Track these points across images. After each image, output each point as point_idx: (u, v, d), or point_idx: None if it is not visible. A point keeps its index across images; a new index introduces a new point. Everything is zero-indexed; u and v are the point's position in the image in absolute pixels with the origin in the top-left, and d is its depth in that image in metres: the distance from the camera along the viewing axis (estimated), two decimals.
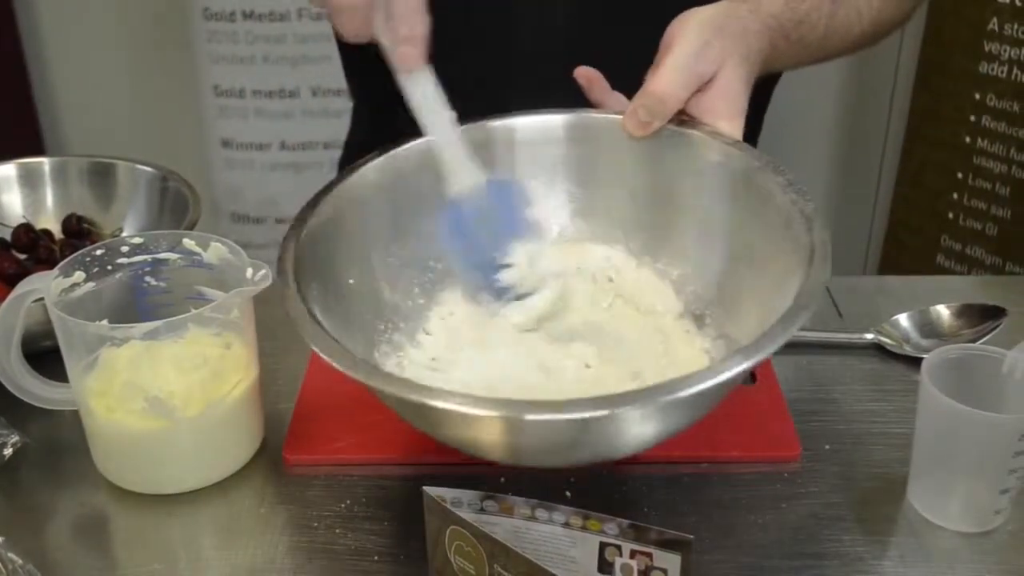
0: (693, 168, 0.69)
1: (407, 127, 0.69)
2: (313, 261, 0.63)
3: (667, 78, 0.66)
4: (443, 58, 0.67)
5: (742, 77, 0.68)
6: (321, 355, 0.55)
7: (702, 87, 0.67)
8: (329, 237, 0.66)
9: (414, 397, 0.52)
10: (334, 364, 0.54)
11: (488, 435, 0.56)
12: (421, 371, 0.67)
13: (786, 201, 0.62)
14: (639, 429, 0.56)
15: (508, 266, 0.70)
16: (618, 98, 0.72)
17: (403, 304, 0.70)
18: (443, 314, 0.71)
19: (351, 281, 0.67)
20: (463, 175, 0.69)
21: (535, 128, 0.73)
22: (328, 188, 0.68)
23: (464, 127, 0.69)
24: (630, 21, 0.78)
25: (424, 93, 0.67)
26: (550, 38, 0.84)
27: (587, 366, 0.66)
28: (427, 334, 0.70)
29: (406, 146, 0.70)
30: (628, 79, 0.69)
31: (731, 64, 0.67)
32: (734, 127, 0.67)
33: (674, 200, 0.71)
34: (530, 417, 0.51)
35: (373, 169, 0.70)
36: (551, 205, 0.74)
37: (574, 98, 0.73)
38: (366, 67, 0.70)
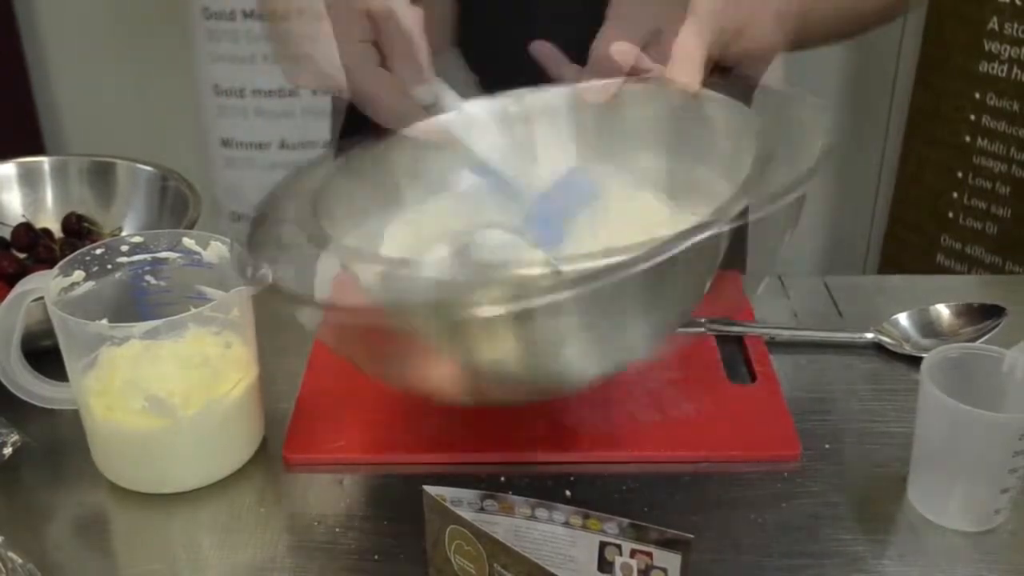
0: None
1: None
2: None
3: (611, 37, 0.66)
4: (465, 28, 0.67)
5: (688, 28, 0.66)
6: None
7: (654, 39, 0.67)
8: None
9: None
10: None
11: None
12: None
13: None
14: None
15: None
16: (574, 69, 0.71)
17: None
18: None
19: None
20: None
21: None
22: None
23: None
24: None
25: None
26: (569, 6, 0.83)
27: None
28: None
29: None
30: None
31: (679, 19, 0.66)
32: (692, 76, 0.65)
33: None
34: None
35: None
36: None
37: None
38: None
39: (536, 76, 0.72)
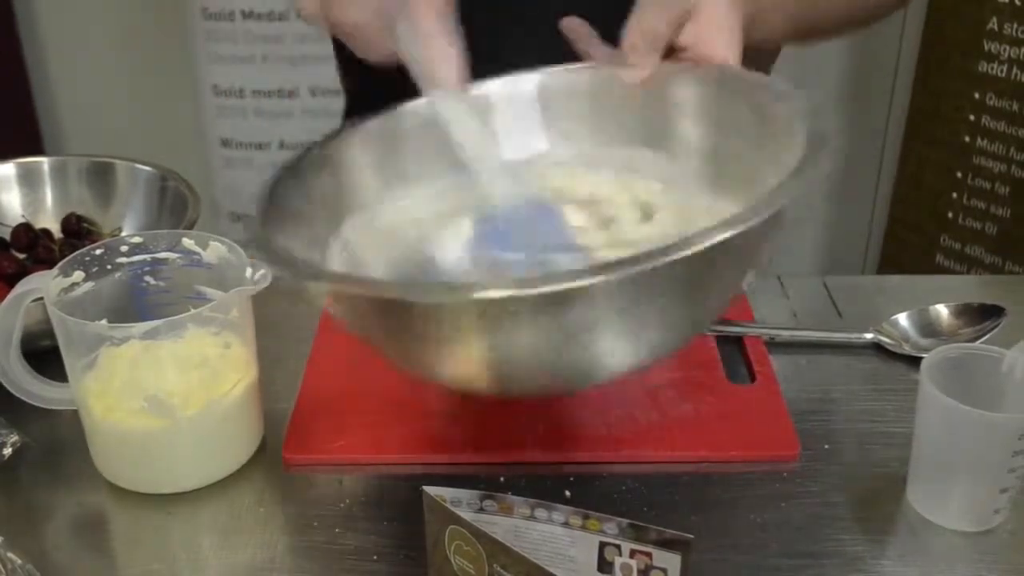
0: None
1: None
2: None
3: (650, 11, 0.65)
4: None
5: (722, 2, 0.65)
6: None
7: (688, 18, 0.66)
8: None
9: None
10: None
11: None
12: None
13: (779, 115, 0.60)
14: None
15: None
16: (605, 50, 0.70)
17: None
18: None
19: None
20: (500, 192, 0.67)
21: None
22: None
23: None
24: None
25: (458, 113, 0.66)
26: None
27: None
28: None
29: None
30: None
31: None
32: (723, 49, 0.65)
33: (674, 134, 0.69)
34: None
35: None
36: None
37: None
38: (364, 66, 0.70)
39: (552, 54, 0.71)
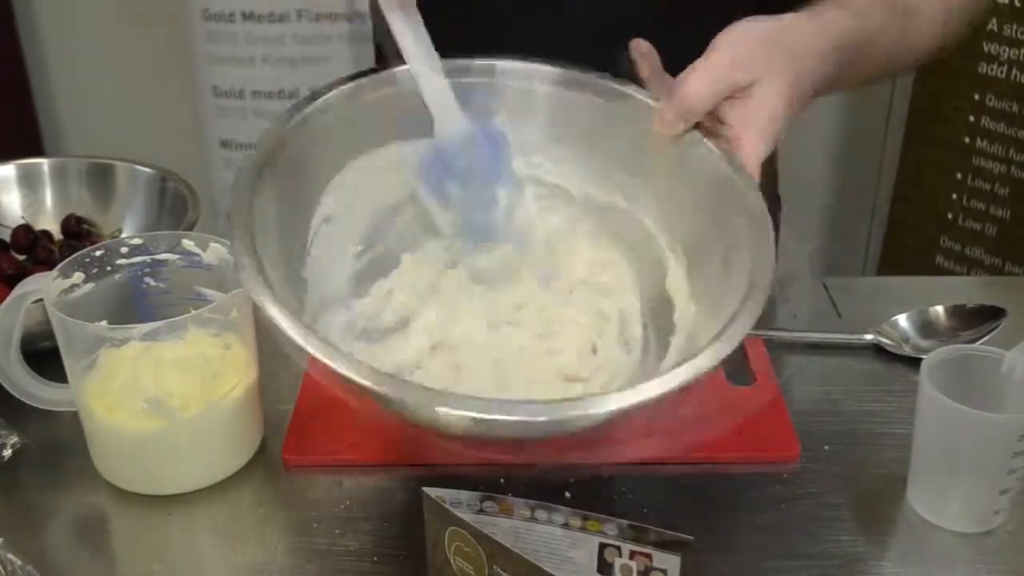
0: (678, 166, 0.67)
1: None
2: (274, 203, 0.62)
3: (697, 82, 0.64)
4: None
5: (782, 94, 0.64)
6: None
7: (737, 95, 0.65)
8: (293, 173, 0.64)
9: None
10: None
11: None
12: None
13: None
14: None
15: (486, 209, 0.69)
16: (662, 80, 0.69)
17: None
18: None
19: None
20: (451, 121, 0.68)
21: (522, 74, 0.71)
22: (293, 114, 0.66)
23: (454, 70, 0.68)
24: (680, 28, 0.72)
25: (414, 35, 0.66)
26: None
27: (521, 348, 0.67)
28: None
29: (375, 76, 0.69)
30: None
31: (771, 79, 0.64)
32: (757, 141, 0.64)
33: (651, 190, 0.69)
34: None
35: (338, 98, 0.68)
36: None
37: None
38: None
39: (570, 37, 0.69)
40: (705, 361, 0.54)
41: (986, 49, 1.58)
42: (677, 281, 0.66)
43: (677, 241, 0.67)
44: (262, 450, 0.69)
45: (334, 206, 0.67)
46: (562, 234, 0.72)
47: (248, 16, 1.71)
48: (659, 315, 0.67)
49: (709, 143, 0.65)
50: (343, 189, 0.67)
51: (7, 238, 0.85)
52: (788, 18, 0.67)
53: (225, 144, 1.81)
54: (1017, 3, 1.53)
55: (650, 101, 0.67)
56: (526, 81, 0.71)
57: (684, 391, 0.54)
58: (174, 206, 0.85)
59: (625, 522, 0.50)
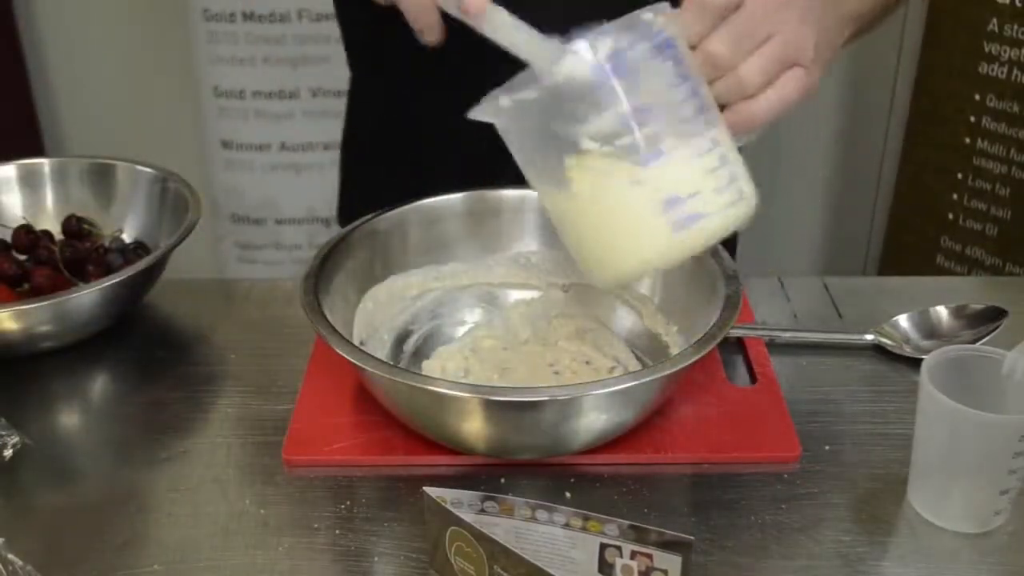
0: None
1: (413, 96, 0.67)
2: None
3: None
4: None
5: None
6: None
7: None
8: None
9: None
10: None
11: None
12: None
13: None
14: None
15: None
16: None
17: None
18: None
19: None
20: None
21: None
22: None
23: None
24: None
25: (508, 24, 0.60)
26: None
27: None
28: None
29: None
30: None
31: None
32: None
33: None
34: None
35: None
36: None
37: None
38: (374, 29, 0.68)
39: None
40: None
41: (986, 49, 1.58)
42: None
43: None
44: (263, 450, 0.69)
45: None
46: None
47: (248, 16, 1.71)
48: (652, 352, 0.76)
49: None
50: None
51: (8, 238, 0.85)
52: None
53: (226, 144, 1.81)
54: (1017, 3, 1.53)
55: None
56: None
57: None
58: (175, 206, 0.86)
59: (626, 522, 0.50)
